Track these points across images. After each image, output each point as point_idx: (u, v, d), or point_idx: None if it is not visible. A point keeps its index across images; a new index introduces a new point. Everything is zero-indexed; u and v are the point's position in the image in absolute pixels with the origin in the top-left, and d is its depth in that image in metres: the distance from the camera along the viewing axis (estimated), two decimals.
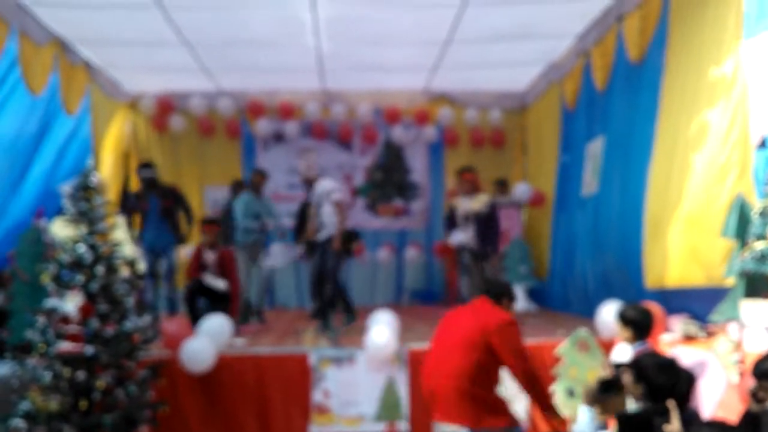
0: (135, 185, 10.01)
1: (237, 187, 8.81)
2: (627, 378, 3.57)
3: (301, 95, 10.19)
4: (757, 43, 4.53)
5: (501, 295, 4.41)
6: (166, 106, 10.01)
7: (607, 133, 7.33)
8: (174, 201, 7.97)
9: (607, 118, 7.36)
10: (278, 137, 10.54)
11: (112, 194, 8.77)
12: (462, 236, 7.02)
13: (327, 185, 7.25)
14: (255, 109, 10.21)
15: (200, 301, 6.93)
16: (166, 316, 7.37)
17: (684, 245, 5.41)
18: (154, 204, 7.81)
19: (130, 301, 4.89)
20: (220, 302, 6.78)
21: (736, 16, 4.84)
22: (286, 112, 10.22)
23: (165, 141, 10.27)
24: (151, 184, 7.92)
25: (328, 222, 7.11)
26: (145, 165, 8.11)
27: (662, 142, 5.93)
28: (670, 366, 3.44)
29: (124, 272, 5.04)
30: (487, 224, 7.12)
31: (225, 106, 10.08)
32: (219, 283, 6.81)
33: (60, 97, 7.48)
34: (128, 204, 8.11)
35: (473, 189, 7.27)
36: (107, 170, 9.18)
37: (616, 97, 7.12)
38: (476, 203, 7.16)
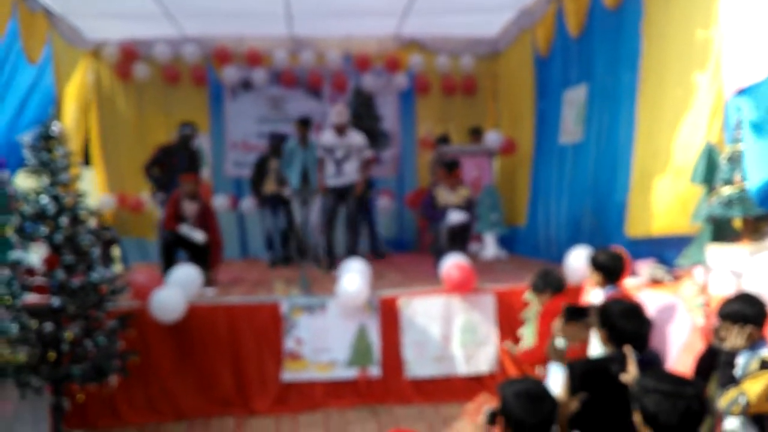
0: (95, 135, 9.84)
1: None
2: (593, 321, 3.63)
3: (269, 42, 9.96)
4: None
5: None
6: (129, 54, 9.73)
7: (590, 80, 7.22)
8: (195, 164, 8.27)
9: (587, 65, 7.26)
10: (246, 85, 10.33)
11: (74, 144, 8.57)
12: (459, 216, 7.06)
13: (360, 141, 7.89)
14: (221, 56, 9.96)
15: (179, 254, 6.79)
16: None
17: (670, 194, 5.39)
18: (183, 163, 8.01)
19: (96, 252, 4.82)
20: (199, 254, 6.58)
21: None
22: (254, 59, 10.00)
23: (129, 89, 10.01)
24: (185, 143, 8.34)
25: (349, 171, 7.86)
26: (187, 123, 8.51)
27: (646, 92, 5.85)
28: (633, 311, 3.48)
29: (90, 223, 4.96)
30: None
31: (190, 53, 9.81)
32: (196, 235, 6.56)
33: (21, 45, 7.23)
34: (158, 156, 8.35)
35: (456, 183, 7.32)
36: (70, 120, 8.95)
37: (595, 43, 7.02)
38: (456, 198, 7.19)
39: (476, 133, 9.90)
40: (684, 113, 5.27)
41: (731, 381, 3.08)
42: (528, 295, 5.24)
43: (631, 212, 6.02)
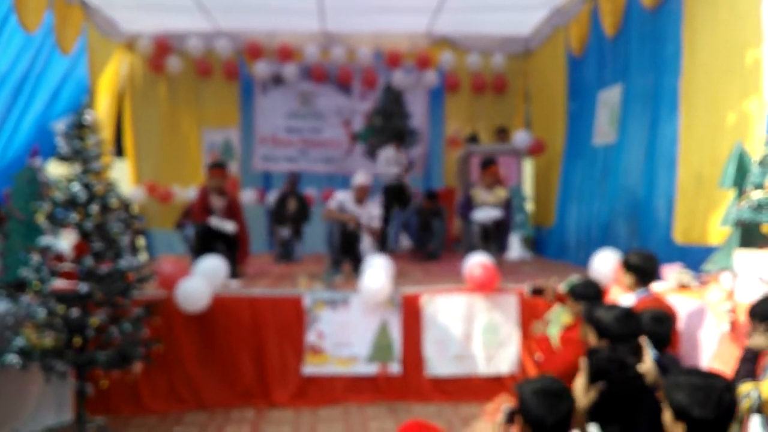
0: (127, 126, 9.99)
1: None
2: (591, 336, 3.49)
3: (301, 37, 10.02)
4: None
5: None
6: (163, 47, 9.86)
7: (626, 81, 7.11)
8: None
9: (623, 65, 7.16)
10: (277, 80, 10.41)
11: (106, 135, 8.69)
12: (486, 213, 7.06)
13: (375, 214, 7.27)
14: (253, 50, 10.05)
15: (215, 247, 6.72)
16: None
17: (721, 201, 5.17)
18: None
19: (125, 240, 4.89)
20: (229, 247, 6.67)
21: None
22: (285, 54, 10.07)
23: (162, 82, 10.16)
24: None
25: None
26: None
27: (688, 95, 5.69)
28: (629, 315, 3.36)
29: (119, 211, 5.02)
30: (499, 221, 7.18)
31: (223, 47, 9.92)
32: (227, 225, 6.68)
33: (54, 36, 7.34)
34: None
35: (494, 182, 7.31)
36: (102, 111, 9.11)
37: (632, 44, 6.91)
38: (493, 198, 7.21)
39: (502, 133, 9.84)
40: (729, 117, 5.14)
41: (749, 376, 3.03)
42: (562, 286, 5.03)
43: (679, 218, 5.82)
